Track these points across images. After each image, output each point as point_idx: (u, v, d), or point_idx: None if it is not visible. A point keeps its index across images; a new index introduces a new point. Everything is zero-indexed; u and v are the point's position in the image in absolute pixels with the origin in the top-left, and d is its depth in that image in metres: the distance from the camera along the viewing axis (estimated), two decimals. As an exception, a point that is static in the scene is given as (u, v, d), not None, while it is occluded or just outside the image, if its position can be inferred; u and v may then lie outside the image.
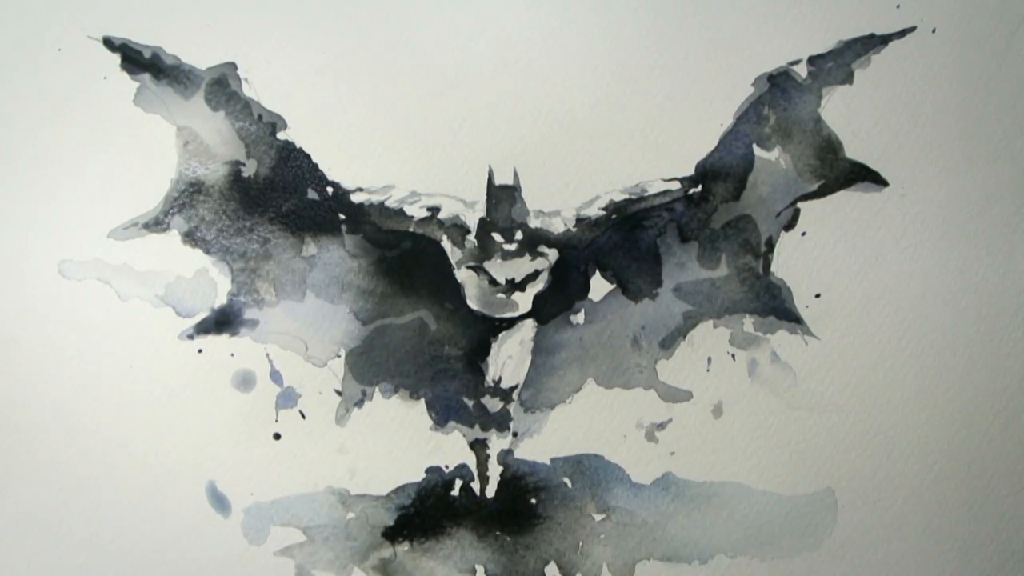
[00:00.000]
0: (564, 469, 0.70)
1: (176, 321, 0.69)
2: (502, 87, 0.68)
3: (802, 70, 0.67)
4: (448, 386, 0.70)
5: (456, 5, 0.68)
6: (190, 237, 0.69)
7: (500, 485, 0.71)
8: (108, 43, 0.68)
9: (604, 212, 0.68)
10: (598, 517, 0.70)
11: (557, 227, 0.68)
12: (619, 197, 0.68)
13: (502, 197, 0.68)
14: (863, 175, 0.67)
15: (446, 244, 0.69)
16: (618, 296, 0.69)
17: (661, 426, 0.69)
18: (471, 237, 0.69)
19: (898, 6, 0.66)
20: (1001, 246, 0.67)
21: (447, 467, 0.71)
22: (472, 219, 0.69)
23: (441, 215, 0.69)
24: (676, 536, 0.70)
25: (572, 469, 0.70)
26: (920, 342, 0.68)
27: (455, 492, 0.71)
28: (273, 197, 0.69)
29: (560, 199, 0.68)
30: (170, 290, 0.69)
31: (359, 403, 0.70)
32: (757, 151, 0.68)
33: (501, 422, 0.70)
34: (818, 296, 0.68)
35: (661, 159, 0.68)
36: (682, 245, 0.68)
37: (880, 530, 0.69)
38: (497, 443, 0.70)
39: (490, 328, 0.69)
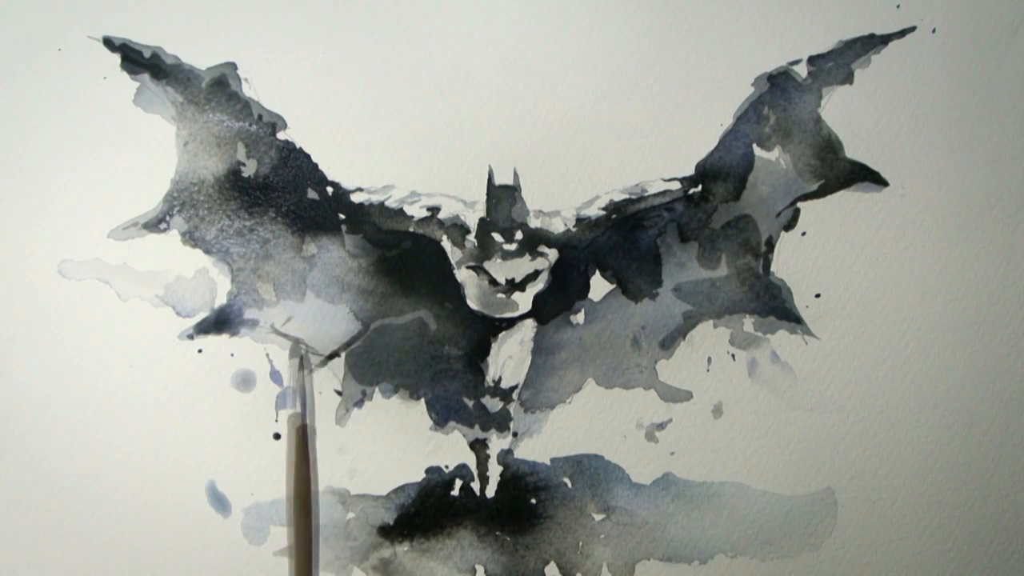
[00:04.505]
0: (564, 469, 0.70)
1: (176, 321, 0.69)
2: (502, 87, 0.68)
3: (802, 70, 0.67)
4: (448, 386, 0.70)
5: (456, 5, 0.68)
6: (190, 237, 0.69)
7: (500, 485, 0.71)
8: (108, 43, 0.68)
9: (604, 212, 0.68)
10: (598, 517, 0.70)
11: (557, 227, 0.68)
12: (619, 197, 0.68)
13: (502, 197, 0.68)
14: (863, 175, 0.67)
15: (446, 244, 0.69)
16: (618, 296, 0.69)
17: (661, 426, 0.69)
18: (471, 237, 0.69)
19: (898, 6, 0.66)
20: (1001, 246, 0.68)
21: (447, 467, 0.71)
22: (472, 219, 0.69)
23: (441, 215, 0.69)
24: (676, 536, 0.70)
25: (572, 469, 0.70)
26: (920, 342, 0.68)
27: (455, 492, 0.71)
28: (273, 197, 0.69)
29: (560, 199, 0.68)
30: (170, 290, 0.69)
31: (359, 403, 0.70)
32: (757, 151, 0.68)
33: (501, 422, 0.70)
34: (818, 296, 0.68)
35: (661, 159, 0.68)
36: (682, 245, 0.68)
37: (880, 530, 0.69)
38: (497, 443, 0.70)
39: (490, 328, 0.69)
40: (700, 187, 0.68)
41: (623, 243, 0.69)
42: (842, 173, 0.67)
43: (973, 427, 0.69)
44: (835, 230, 0.68)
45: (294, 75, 0.68)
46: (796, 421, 0.69)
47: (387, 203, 0.69)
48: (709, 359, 0.69)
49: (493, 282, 0.69)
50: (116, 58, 0.68)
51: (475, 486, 0.71)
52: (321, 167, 0.69)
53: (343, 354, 0.69)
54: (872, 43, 0.66)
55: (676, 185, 0.68)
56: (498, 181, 0.68)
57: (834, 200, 0.68)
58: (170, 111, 0.68)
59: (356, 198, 0.69)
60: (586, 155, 0.68)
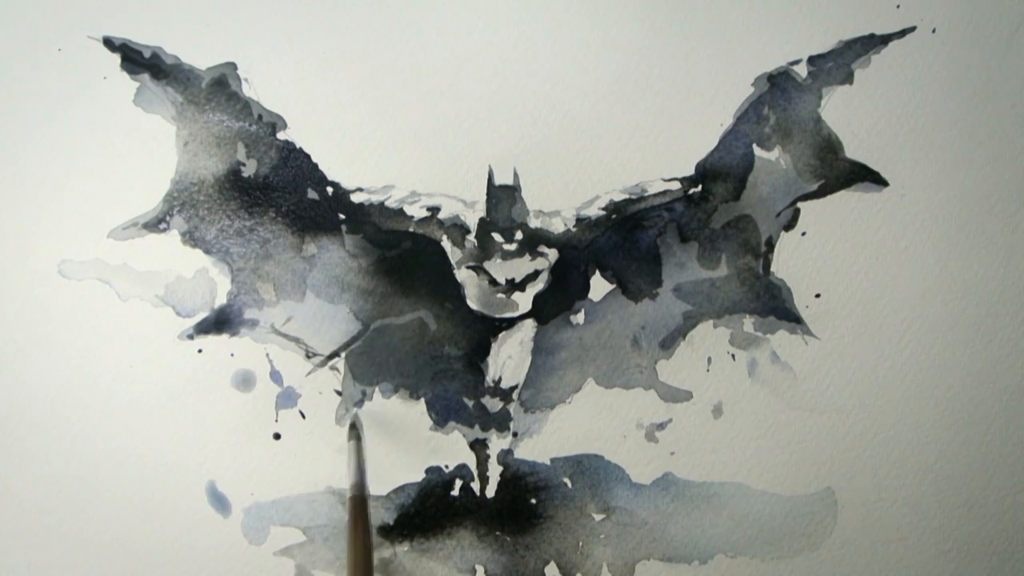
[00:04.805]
0: (564, 469, 0.70)
1: (176, 321, 0.69)
2: (502, 87, 0.68)
3: (802, 70, 0.67)
4: (448, 386, 0.70)
5: (456, 5, 0.68)
6: (190, 237, 0.69)
7: (500, 485, 0.71)
8: (108, 43, 0.68)
9: (604, 212, 0.68)
10: (598, 517, 0.70)
11: (557, 227, 0.68)
12: (619, 197, 0.68)
13: (502, 197, 0.68)
14: (863, 175, 0.67)
15: (446, 244, 0.69)
16: (618, 296, 0.69)
17: (661, 426, 0.69)
18: (471, 237, 0.69)
19: (898, 6, 0.66)
20: (1001, 246, 0.67)
21: (447, 467, 0.71)
22: (472, 219, 0.69)
23: (441, 215, 0.69)
24: (676, 536, 0.70)
25: (572, 469, 0.70)
26: (920, 342, 0.68)
27: (455, 492, 0.71)
28: (273, 197, 0.69)
29: (560, 199, 0.68)
30: (170, 290, 0.69)
31: (359, 403, 0.70)
32: (757, 151, 0.68)
33: (501, 422, 0.70)
34: (818, 296, 0.68)
35: (661, 159, 0.68)
36: (682, 245, 0.68)
37: (880, 530, 0.69)
38: (497, 443, 0.70)
39: (490, 328, 0.69)
40: (700, 187, 0.68)
41: (623, 243, 0.69)
42: (842, 173, 0.67)
43: (973, 427, 0.69)
44: (835, 230, 0.68)
45: (294, 75, 0.68)
46: (796, 421, 0.69)
47: (387, 203, 0.69)
48: (709, 359, 0.69)
49: (493, 282, 0.69)
50: (116, 58, 0.68)
51: (475, 486, 0.71)
52: (321, 167, 0.69)
53: (343, 354, 0.69)
54: (872, 43, 0.66)
55: (676, 185, 0.68)
56: (498, 181, 0.68)
57: (834, 200, 0.68)
58: (170, 111, 0.68)
59: (356, 198, 0.69)
60: (586, 155, 0.68)
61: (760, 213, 0.68)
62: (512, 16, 0.68)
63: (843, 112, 0.67)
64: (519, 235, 0.68)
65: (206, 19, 0.68)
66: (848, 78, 0.67)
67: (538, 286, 0.69)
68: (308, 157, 0.69)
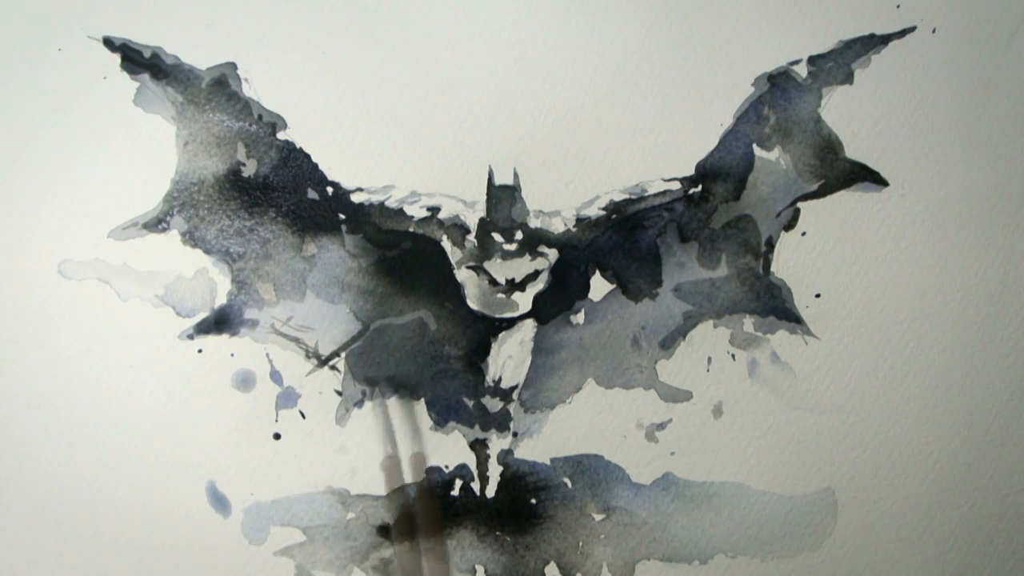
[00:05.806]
0: (564, 469, 0.70)
1: (176, 321, 0.69)
2: (502, 87, 0.68)
3: (802, 70, 0.67)
4: (448, 386, 0.70)
5: (456, 5, 0.68)
6: (190, 237, 0.69)
7: (500, 485, 0.71)
8: (108, 43, 0.68)
9: (604, 212, 0.68)
10: (598, 517, 0.70)
11: (557, 227, 0.68)
12: (619, 197, 0.68)
13: (502, 197, 0.68)
14: (863, 175, 0.67)
15: (446, 244, 0.69)
16: (618, 296, 0.69)
17: (661, 426, 0.69)
18: (471, 237, 0.69)
19: (898, 6, 0.66)
20: (1001, 246, 0.68)
21: (447, 467, 0.71)
22: (472, 219, 0.69)
23: (441, 215, 0.69)
24: (676, 536, 0.70)
25: (572, 469, 0.70)
26: (920, 342, 0.68)
27: (455, 492, 0.71)
28: (273, 197, 0.69)
29: (560, 199, 0.68)
30: (170, 290, 0.69)
31: (359, 403, 0.70)
32: (757, 151, 0.68)
33: (501, 422, 0.70)
34: (818, 296, 0.68)
35: (661, 159, 0.68)
36: (682, 245, 0.68)
37: (880, 530, 0.69)
38: (497, 443, 0.70)
39: (490, 328, 0.69)
40: (700, 187, 0.68)
41: (623, 243, 0.69)
42: (842, 173, 0.67)
43: (973, 427, 0.69)
44: (835, 230, 0.68)
45: (294, 75, 0.68)
46: (796, 421, 0.69)
47: (387, 203, 0.69)
48: (709, 359, 0.69)
49: (493, 282, 0.69)
50: (116, 58, 0.68)
51: (475, 486, 0.71)
52: (321, 167, 0.69)
53: (343, 354, 0.69)
54: (872, 43, 0.66)
55: (676, 185, 0.68)
56: (498, 181, 0.68)
57: (834, 200, 0.68)
58: (170, 111, 0.68)
59: (356, 198, 0.69)
60: (586, 155, 0.68)
61: (760, 213, 0.68)
62: (512, 16, 0.68)
63: (843, 112, 0.67)
64: (519, 235, 0.68)
65: (206, 19, 0.68)
66: (848, 78, 0.67)
67: (538, 286, 0.69)
68: (308, 157, 0.69)
